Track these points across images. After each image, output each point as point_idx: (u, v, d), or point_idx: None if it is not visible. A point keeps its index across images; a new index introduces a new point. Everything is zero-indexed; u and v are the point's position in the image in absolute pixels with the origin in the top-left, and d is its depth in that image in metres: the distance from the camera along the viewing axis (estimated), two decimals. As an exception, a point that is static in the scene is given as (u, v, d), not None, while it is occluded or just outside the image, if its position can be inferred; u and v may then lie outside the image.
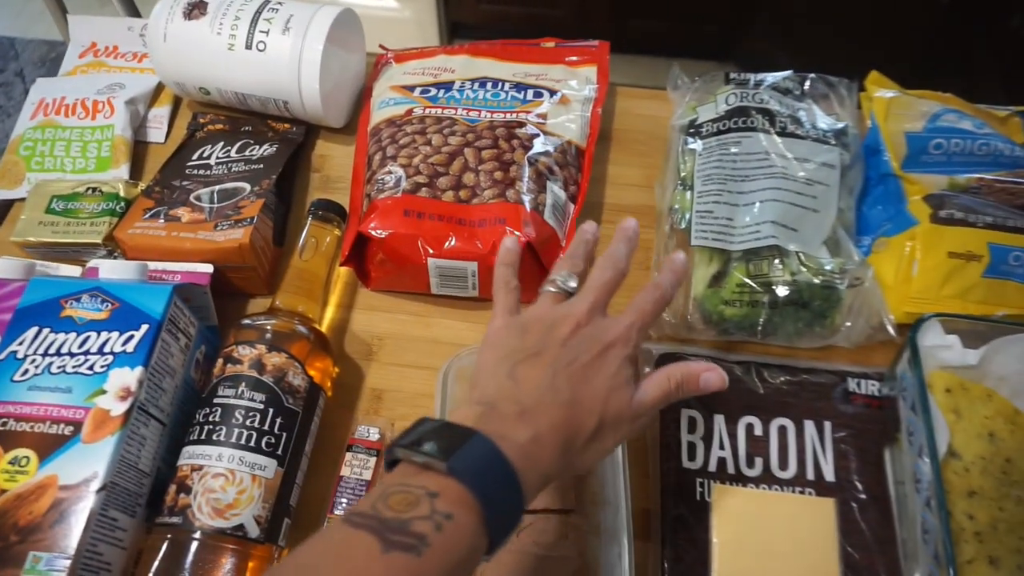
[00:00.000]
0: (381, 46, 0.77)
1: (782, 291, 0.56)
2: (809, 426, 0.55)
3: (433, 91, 0.68)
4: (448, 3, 1.89)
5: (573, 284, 0.45)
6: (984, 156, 0.64)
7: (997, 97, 0.72)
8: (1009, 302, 0.57)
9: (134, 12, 0.95)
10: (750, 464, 0.54)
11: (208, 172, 0.64)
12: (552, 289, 0.45)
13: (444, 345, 0.60)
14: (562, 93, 0.68)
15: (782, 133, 0.62)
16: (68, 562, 0.41)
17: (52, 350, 0.48)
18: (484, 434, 0.34)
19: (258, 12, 0.64)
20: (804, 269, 0.56)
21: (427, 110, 0.65)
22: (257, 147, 0.67)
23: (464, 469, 0.32)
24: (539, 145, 0.62)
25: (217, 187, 0.62)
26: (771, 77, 0.67)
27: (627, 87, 0.76)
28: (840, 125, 0.64)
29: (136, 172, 0.69)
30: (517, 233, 0.55)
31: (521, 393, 0.38)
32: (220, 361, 0.51)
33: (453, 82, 0.69)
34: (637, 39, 1.97)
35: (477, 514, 0.32)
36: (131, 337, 0.49)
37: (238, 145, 0.67)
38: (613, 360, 0.40)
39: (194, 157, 0.66)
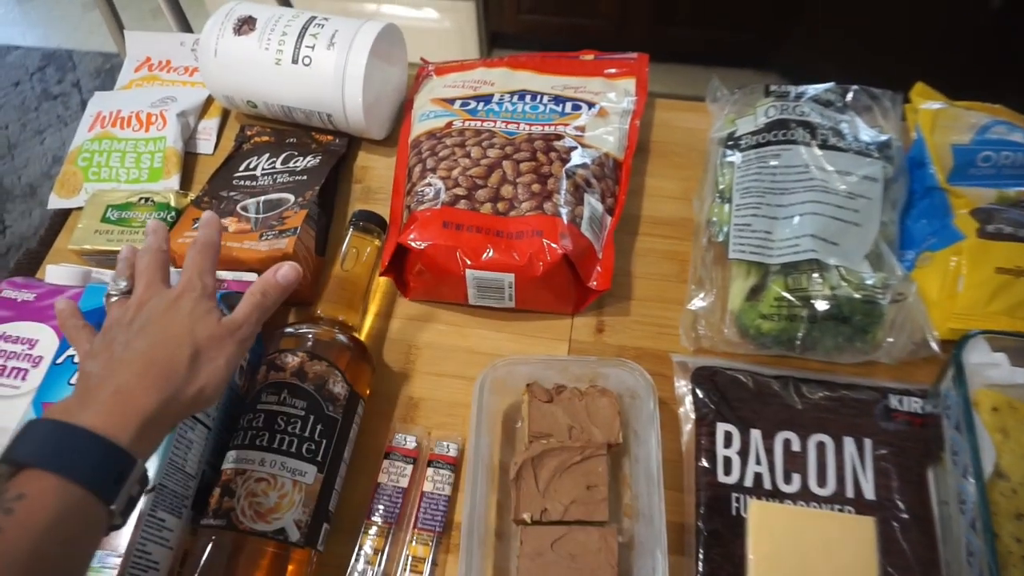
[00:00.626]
0: (422, 59, 0.78)
1: (822, 305, 0.55)
2: (849, 443, 0.54)
3: (473, 104, 0.69)
4: (488, 13, 1.91)
5: (123, 283, 0.47)
6: (1035, 169, 0.63)
7: None
8: (1060, 320, 0.55)
9: (186, 25, 0.99)
10: (787, 480, 0.53)
11: (254, 183, 0.66)
12: (113, 296, 0.47)
13: (480, 355, 0.60)
14: (600, 106, 0.68)
15: (823, 146, 0.61)
16: (119, 560, 0.43)
17: (106, 355, 0.50)
18: (44, 417, 0.38)
19: (304, 28, 0.66)
20: (845, 283, 0.56)
21: (467, 123, 0.66)
22: (301, 159, 0.68)
23: (24, 452, 0.36)
24: (577, 157, 0.62)
25: (263, 198, 0.64)
26: (812, 89, 0.66)
27: (666, 99, 0.76)
28: (884, 138, 0.63)
29: (186, 182, 0.72)
30: (554, 245, 0.56)
31: (94, 374, 0.41)
32: (264, 368, 0.53)
33: (492, 95, 0.70)
34: (676, 48, 1.96)
35: (53, 481, 0.35)
36: (180, 343, 0.50)
37: (283, 157, 0.69)
38: (186, 304, 0.44)
39: (241, 168, 0.68)
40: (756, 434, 0.54)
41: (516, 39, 2.04)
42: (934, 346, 0.55)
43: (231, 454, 0.50)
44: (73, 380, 0.49)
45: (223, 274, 0.58)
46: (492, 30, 1.98)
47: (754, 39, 1.90)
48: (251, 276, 0.58)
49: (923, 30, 1.60)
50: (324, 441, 0.51)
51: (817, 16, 1.76)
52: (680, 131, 0.73)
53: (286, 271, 0.48)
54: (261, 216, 0.62)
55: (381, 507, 0.53)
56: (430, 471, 0.55)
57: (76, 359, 0.51)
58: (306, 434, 0.50)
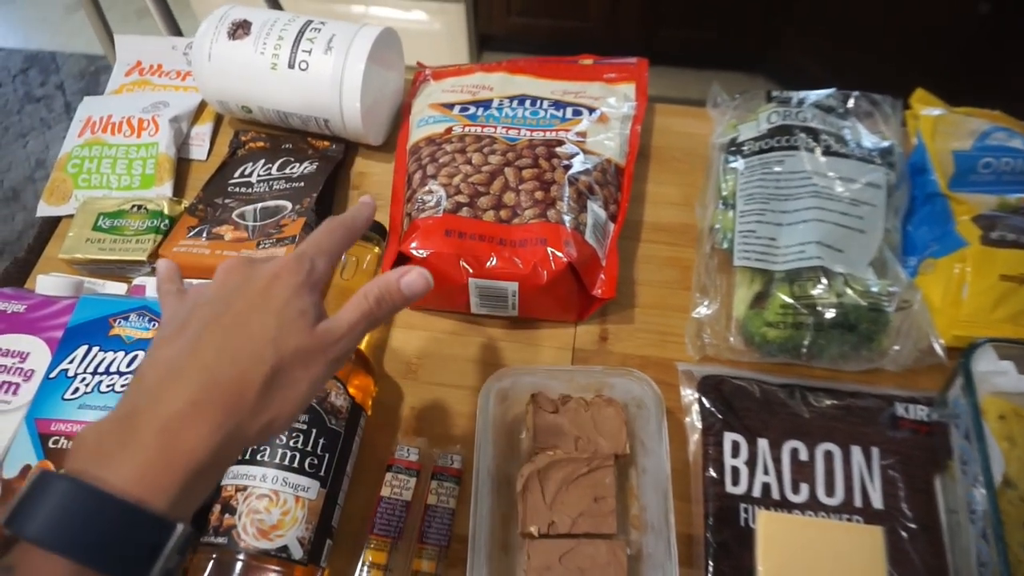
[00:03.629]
0: (419, 63, 0.77)
1: (828, 313, 0.55)
2: (856, 452, 0.53)
3: (472, 109, 0.68)
4: (478, 16, 1.90)
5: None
6: (1036, 175, 0.63)
7: None
8: (1064, 327, 0.55)
9: (175, 28, 0.97)
10: (795, 490, 0.53)
11: (249, 190, 0.65)
12: None
13: (483, 364, 0.60)
14: (601, 111, 0.67)
15: (826, 152, 0.61)
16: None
17: (101, 368, 0.49)
18: (65, 471, 0.30)
19: (301, 32, 0.65)
20: (850, 291, 0.55)
21: (467, 128, 0.65)
22: (297, 165, 0.67)
23: (29, 524, 0.28)
24: (579, 164, 0.62)
25: (259, 205, 0.63)
26: (813, 95, 0.66)
27: (666, 104, 0.75)
28: (886, 144, 0.63)
29: (179, 189, 0.70)
30: (559, 253, 0.55)
31: (151, 379, 0.32)
32: (264, 380, 0.52)
33: (491, 100, 0.69)
34: (667, 50, 1.96)
35: (61, 565, 0.28)
36: (178, 356, 0.49)
37: (278, 163, 0.67)
38: (279, 292, 0.34)
39: (236, 175, 0.67)
40: (763, 443, 0.54)
41: (506, 41, 2.03)
42: (940, 353, 0.55)
43: (232, 469, 0.49)
44: (67, 395, 0.48)
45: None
46: (482, 32, 1.98)
47: (745, 42, 1.91)
48: (249, 286, 0.57)
49: (912, 33, 1.61)
50: (327, 455, 0.50)
51: (805, 18, 1.77)
52: (680, 136, 0.72)
53: (413, 279, 0.37)
54: (258, 224, 0.61)
55: (384, 521, 0.52)
56: (434, 484, 0.54)
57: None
58: (308, 448, 0.49)
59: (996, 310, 0.56)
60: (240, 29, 0.66)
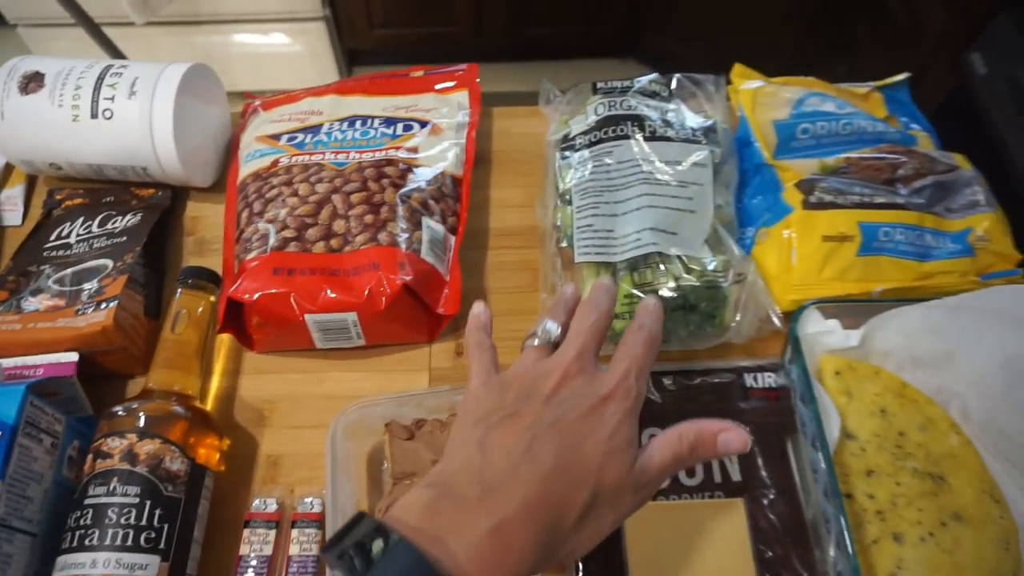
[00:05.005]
0: (246, 94, 0.74)
1: (668, 297, 0.56)
2: (711, 428, 0.54)
3: (300, 137, 0.65)
4: (341, 32, 1.87)
5: (556, 331, 0.39)
6: (849, 135, 0.66)
7: (880, 70, 0.74)
8: (885, 277, 0.58)
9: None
10: (658, 477, 0.53)
11: (68, 252, 0.61)
12: (534, 342, 0.40)
13: (338, 400, 0.58)
14: (433, 123, 0.66)
15: (651, 138, 0.62)
16: None
17: None
18: (411, 543, 0.29)
19: (100, 78, 0.61)
20: (686, 272, 0.56)
21: (294, 158, 0.63)
22: (120, 218, 0.63)
23: None
24: (411, 181, 0.60)
25: (76, 267, 0.59)
26: (638, 82, 0.67)
27: (503, 107, 0.75)
28: (708, 123, 0.65)
29: (-7, 261, 0.65)
30: (393, 276, 0.54)
31: (488, 466, 0.32)
32: (90, 457, 0.48)
33: (321, 125, 0.67)
34: (536, 46, 1.98)
35: None
36: (-17, 449, 0.45)
37: (99, 219, 0.63)
38: (610, 416, 0.34)
39: (52, 238, 0.62)
40: (622, 435, 0.54)
41: (375, 54, 2.01)
42: (776, 321, 0.57)
43: (60, 560, 0.45)
44: None
45: (35, 359, 0.53)
46: (349, 48, 1.94)
47: (611, 31, 1.94)
48: (70, 356, 0.53)
49: (764, 8, 1.68)
50: (166, 526, 0.47)
51: (666, 3, 1.82)
52: (520, 138, 0.72)
53: (731, 438, 0.36)
54: (75, 288, 0.57)
55: (245, 582, 0.49)
56: (295, 532, 0.51)
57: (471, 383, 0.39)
58: (143, 522, 0.46)
59: (823, 271, 0.58)
60: (32, 82, 0.61)
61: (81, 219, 0.64)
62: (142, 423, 0.49)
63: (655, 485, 0.36)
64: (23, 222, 0.68)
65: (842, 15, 1.58)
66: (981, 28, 1.08)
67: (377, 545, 0.29)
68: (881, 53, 1.40)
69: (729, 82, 0.71)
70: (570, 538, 0.32)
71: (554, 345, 0.39)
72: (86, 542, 0.45)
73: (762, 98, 0.68)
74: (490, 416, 0.35)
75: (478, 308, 0.44)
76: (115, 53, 1.34)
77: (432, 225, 0.59)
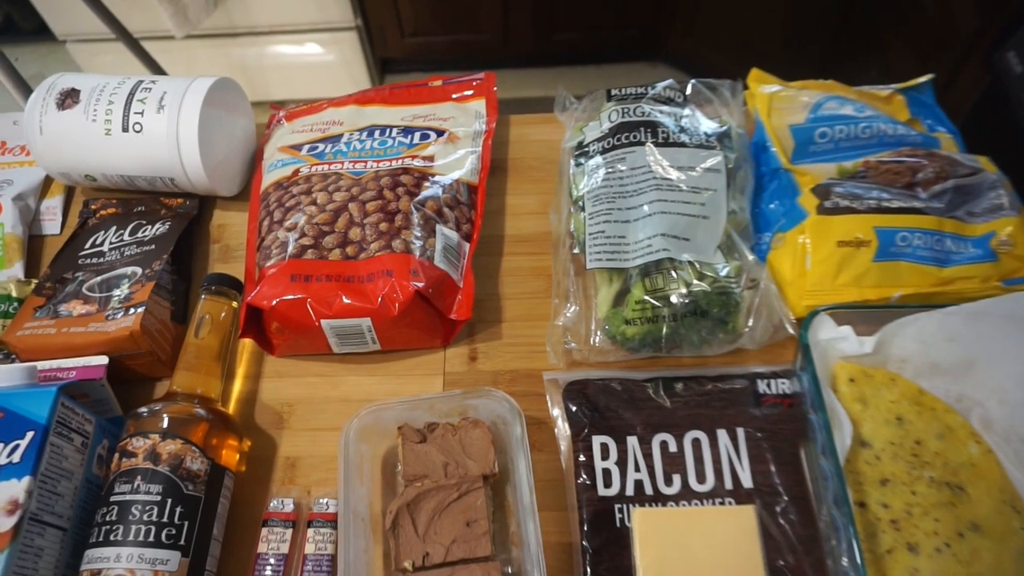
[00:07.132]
0: (272, 105, 0.77)
1: (680, 303, 0.56)
2: (722, 435, 0.54)
3: (320, 147, 0.67)
4: (373, 41, 1.90)
5: None
6: (869, 138, 0.65)
7: (912, 71, 0.72)
8: (903, 282, 0.57)
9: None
10: (668, 482, 0.53)
11: (101, 260, 0.64)
12: None
13: (354, 403, 0.59)
14: (450, 131, 0.68)
15: (664, 143, 0.62)
16: None
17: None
18: None
19: (131, 94, 0.64)
20: (698, 278, 0.56)
21: (313, 168, 0.64)
22: (150, 227, 0.66)
23: None
24: (426, 189, 0.62)
25: (107, 274, 0.61)
26: (652, 89, 0.67)
27: (520, 114, 0.76)
28: (723, 128, 0.64)
29: (33, 269, 0.68)
30: (405, 282, 0.55)
31: None
32: (116, 456, 0.50)
33: (341, 135, 0.68)
34: (564, 51, 1.99)
35: None
36: (16, 447, 0.48)
37: (130, 227, 0.66)
38: None
39: (87, 246, 0.65)
40: (633, 441, 0.54)
41: (406, 63, 2.04)
42: (789, 328, 0.56)
43: (87, 553, 0.47)
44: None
45: (67, 362, 0.55)
46: (381, 56, 1.97)
47: (637, 34, 1.94)
48: (100, 360, 0.56)
49: (797, 11, 1.65)
50: (186, 523, 0.48)
51: (693, 5, 1.80)
52: (536, 145, 0.73)
53: None
54: (106, 295, 0.59)
55: (262, 579, 0.51)
56: (310, 532, 0.53)
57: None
58: (164, 519, 0.48)
59: (838, 276, 0.57)
60: (68, 98, 0.64)
61: (114, 228, 0.66)
62: (165, 424, 0.51)
63: None
64: (61, 231, 0.71)
65: (872, 16, 1.55)
66: (1016, 26, 1.05)
67: None
68: (912, 54, 1.37)
69: (746, 87, 0.70)
70: None
71: None
72: (111, 537, 0.47)
73: (778, 102, 0.67)
74: None
75: None
76: (154, 66, 1.39)
77: (446, 232, 0.60)
